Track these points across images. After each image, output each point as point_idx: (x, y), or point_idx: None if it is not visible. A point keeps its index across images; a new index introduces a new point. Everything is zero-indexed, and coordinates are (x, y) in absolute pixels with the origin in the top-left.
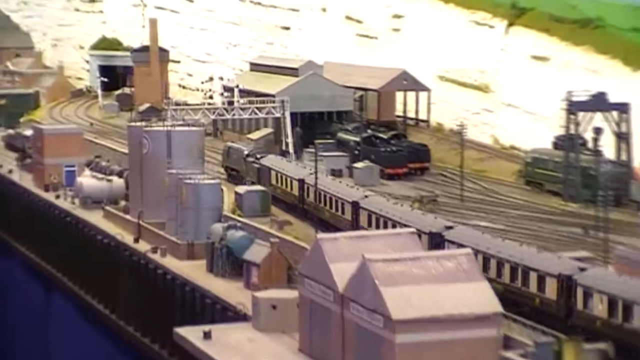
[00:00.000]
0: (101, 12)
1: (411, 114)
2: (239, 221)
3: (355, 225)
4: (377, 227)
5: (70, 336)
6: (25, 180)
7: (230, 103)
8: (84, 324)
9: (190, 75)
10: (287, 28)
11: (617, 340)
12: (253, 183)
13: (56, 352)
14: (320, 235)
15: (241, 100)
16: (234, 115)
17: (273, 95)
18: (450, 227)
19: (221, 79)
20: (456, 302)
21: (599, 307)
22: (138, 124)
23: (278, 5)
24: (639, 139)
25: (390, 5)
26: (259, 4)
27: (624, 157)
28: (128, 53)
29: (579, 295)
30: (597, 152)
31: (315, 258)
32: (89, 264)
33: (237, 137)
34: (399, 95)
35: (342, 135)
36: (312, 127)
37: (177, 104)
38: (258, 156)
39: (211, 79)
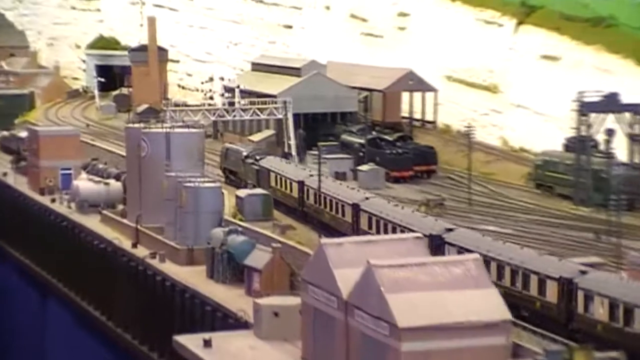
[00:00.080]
0: (98, 10)
1: (417, 115)
2: (240, 226)
3: (355, 228)
4: (378, 229)
5: (67, 344)
6: (20, 183)
7: (231, 104)
8: (81, 332)
9: (189, 75)
10: (290, 26)
11: (617, 345)
12: (254, 186)
13: None
14: (324, 240)
15: (242, 101)
16: (234, 116)
17: (275, 96)
18: (450, 230)
19: (222, 79)
20: (464, 309)
21: (599, 311)
22: (136, 125)
23: (280, 3)
24: None
25: (395, 3)
26: (261, 1)
27: (637, 159)
28: (126, 52)
29: (579, 299)
30: (609, 155)
31: (319, 264)
32: (86, 270)
33: (238, 138)
34: (405, 96)
35: (346, 137)
36: (316, 128)
37: (176, 104)
38: (257, 158)
39: (211, 79)
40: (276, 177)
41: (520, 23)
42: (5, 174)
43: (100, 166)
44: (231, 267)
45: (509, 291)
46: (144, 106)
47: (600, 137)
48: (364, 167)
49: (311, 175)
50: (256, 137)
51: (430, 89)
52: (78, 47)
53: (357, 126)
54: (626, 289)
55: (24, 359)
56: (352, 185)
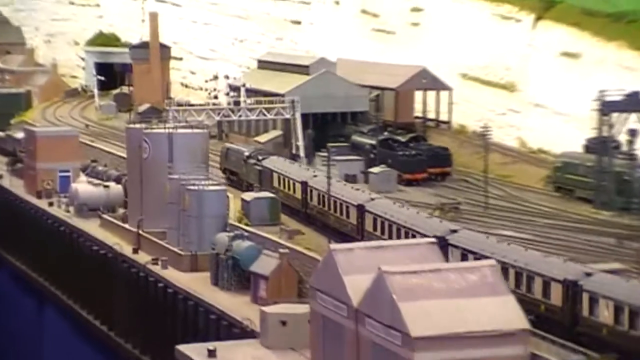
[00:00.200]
0: (97, 5)
1: (431, 114)
2: (245, 230)
3: (360, 229)
4: (382, 231)
5: (65, 353)
6: (16, 186)
7: (237, 103)
8: (79, 341)
9: (193, 73)
10: (298, 22)
11: (622, 349)
12: (262, 189)
13: None
14: (333, 245)
15: (248, 101)
16: (240, 116)
17: (282, 95)
18: (454, 231)
19: (226, 77)
20: (480, 317)
21: (604, 314)
22: (137, 125)
23: None
24: None
25: None
26: None
27: None
28: (126, 49)
29: (584, 302)
30: (631, 156)
31: (328, 270)
32: (85, 277)
33: (244, 139)
34: (418, 95)
35: (356, 138)
36: (325, 129)
37: (179, 104)
38: (260, 158)
39: (216, 77)
40: (279, 177)
41: (539, 18)
42: (0, 177)
43: (100, 168)
44: (236, 274)
45: (513, 294)
46: (146, 106)
47: (623, 138)
48: (375, 170)
49: (315, 176)
50: (263, 138)
51: (445, 87)
52: (77, 43)
53: (368, 126)
54: (632, 291)
55: None
56: (356, 186)
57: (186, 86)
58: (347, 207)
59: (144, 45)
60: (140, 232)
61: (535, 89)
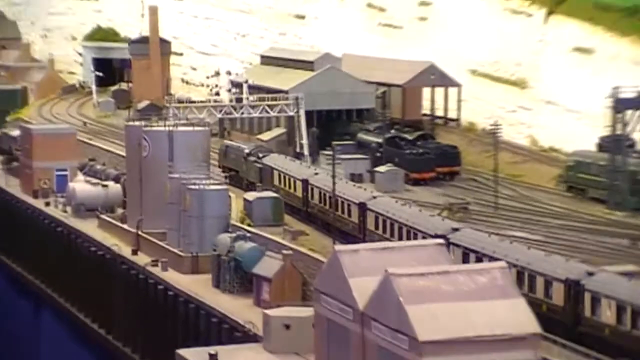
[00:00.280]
0: None
1: (439, 112)
2: (248, 231)
3: (362, 228)
4: (384, 230)
5: (62, 357)
6: (12, 185)
7: (239, 100)
8: (77, 345)
9: (194, 69)
10: (302, 17)
11: (625, 350)
12: (263, 187)
13: None
14: (338, 246)
15: (251, 97)
16: (242, 113)
17: (286, 92)
18: (456, 230)
19: (228, 73)
20: (489, 321)
21: (607, 314)
22: (136, 123)
23: None
24: None
25: None
26: None
27: None
28: (125, 45)
29: (586, 301)
30: None
31: (333, 272)
32: (82, 279)
33: (247, 137)
34: (426, 92)
35: (362, 135)
36: (330, 127)
37: (179, 101)
38: (260, 155)
39: (217, 73)
40: (279, 175)
41: (550, 13)
42: None
43: (98, 167)
44: (239, 276)
45: None
46: (145, 102)
47: (637, 136)
48: (381, 169)
49: (316, 174)
50: (266, 136)
51: (454, 84)
52: (74, 38)
53: (375, 124)
54: (634, 291)
55: None
56: (358, 184)
57: (187, 82)
58: (349, 205)
59: (143, 40)
60: (140, 232)
61: (546, 86)
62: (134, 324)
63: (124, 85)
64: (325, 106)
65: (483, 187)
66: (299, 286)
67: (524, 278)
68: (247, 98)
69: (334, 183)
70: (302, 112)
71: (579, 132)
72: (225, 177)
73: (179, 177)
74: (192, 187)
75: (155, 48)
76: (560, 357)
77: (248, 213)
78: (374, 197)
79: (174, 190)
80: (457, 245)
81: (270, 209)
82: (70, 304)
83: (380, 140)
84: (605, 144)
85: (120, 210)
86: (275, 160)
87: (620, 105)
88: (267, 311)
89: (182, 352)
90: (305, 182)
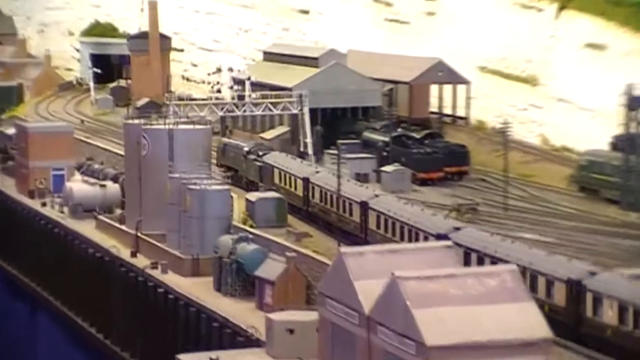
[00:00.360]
0: None
1: (448, 110)
2: (250, 232)
3: (363, 227)
4: (386, 229)
5: None
6: (7, 185)
7: (241, 98)
8: (74, 349)
9: (195, 65)
10: (306, 11)
11: (627, 351)
12: (263, 186)
13: None
14: (344, 249)
15: (253, 95)
16: (245, 111)
17: (290, 89)
18: (458, 229)
19: (230, 70)
20: (499, 325)
21: (609, 314)
22: (136, 121)
23: None
24: None
25: None
26: None
27: None
28: (124, 40)
29: (588, 302)
30: None
31: (338, 275)
32: (80, 281)
33: (249, 136)
34: (434, 89)
35: (368, 134)
36: (335, 125)
37: (180, 98)
38: (260, 153)
39: (219, 70)
40: (280, 173)
41: (562, 7)
42: None
43: (96, 166)
44: (241, 279)
45: None
46: (145, 100)
47: None
48: (388, 168)
49: (317, 172)
50: (268, 135)
51: (462, 81)
52: (71, 34)
53: (381, 122)
54: (636, 291)
55: None
56: (359, 182)
57: (187, 79)
58: (350, 204)
59: (142, 36)
60: (139, 234)
61: (558, 83)
62: (132, 328)
63: (122, 82)
64: (330, 104)
65: (492, 188)
66: (303, 289)
67: (525, 278)
68: (250, 95)
69: (339, 183)
70: (306, 110)
71: (592, 130)
72: (228, 177)
73: (180, 177)
74: (193, 187)
75: (154, 44)
76: None
77: (250, 214)
78: (376, 196)
79: (174, 191)
80: (459, 245)
81: (274, 210)
82: (68, 307)
83: (386, 139)
84: (619, 143)
85: (118, 211)
86: (276, 158)
87: (635, 102)
88: (270, 315)
89: (182, 357)
90: (306, 181)
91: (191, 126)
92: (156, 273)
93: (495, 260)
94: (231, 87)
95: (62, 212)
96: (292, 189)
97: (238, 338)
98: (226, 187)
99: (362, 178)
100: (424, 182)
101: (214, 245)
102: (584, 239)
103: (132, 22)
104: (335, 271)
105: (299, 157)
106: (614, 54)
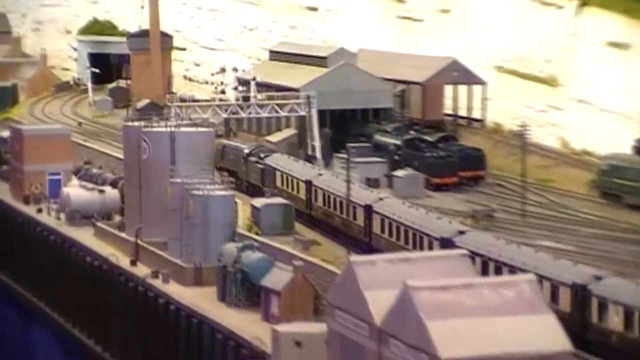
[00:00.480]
0: None
1: (463, 111)
2: (256, 240)
3: (368, 231)
4: (390, 233)
5: None
6: (1, 190)
7: (246, 99)
8: None
9: (197, 65)
10: (314, 9)
11: (633, 357)
12: (265, 189)
13: None
14: (353, 257)
15: (259, 96)
16: (250, 113)
17: (297, 90)
18: (462, 232)
19: (235, 69)
20: (516, 338)
21: (614, 320)
22: (136, 123)
23: None
24: None
25: None
26: None
27: None
28: (124, 39)
29: (593, 307)
30: None
31: (348, 285)
32: (77, 291)
33: (254, 139)
34: (448, 90)
35: (379, 137)
36: (344, 127)
37: (182, 99)
38: (261, 155)
39: (223, 70)
40: (282, 176)
41: (583, 4)
42: None
43: (94, 171)
44: (246, 289)
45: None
46: (145, 101)
47: None
48: (400, 173)
49: (320, 175)
50: (275, 138)
51: (478, 81)
52: (68, 32)
53: (393, 125)
54: None
55: None
56: (363, 185)
57: (190, 79)
58: (354, 208)
59: (143, 34)
60: (139, 242)
61: (578, 83)
62: (132, 340)
63: (122, 83)
64: (339, 105)
65: (510, 193)
66: (311, 300)
67: None
68: (255, 96)
69: (348, 188)
70: (314, 112)
71: (614, 133)
72: (232, 182)
73: (182, 182)
74: (196, 192)
75: (155, 42)
76: None
77: (256, 221)
78: (380, 199)
79: (176, 196)
80: (463, 249)
81: (280, 217)
82: (64, 318)
83: (398, 142)
84: None
85: (117, 218)
86: (278, 161)
87: None
88: (277, 327)
89: None
90: (308, 184)
91: (194, 129)
92: (157, 283)
93: (499, 265)
94: (235, 88)
95: (58, 218)
96: (295, 192)
97: (243, 351)
98: (230, 192)
99: (372, 183)
100: (437, 188)
101: (218, 254)
102: (605, 247)
103: (132, 19)
104: (344, 281)
105: (307, 161)
106: (637, 53)
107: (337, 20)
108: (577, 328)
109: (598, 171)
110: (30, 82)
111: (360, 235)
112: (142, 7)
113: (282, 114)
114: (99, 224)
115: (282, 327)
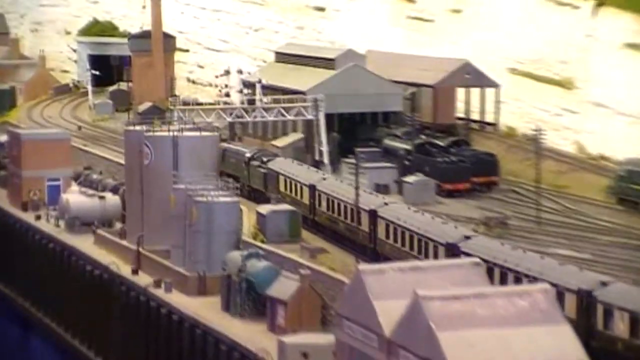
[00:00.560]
0: None
1: (475, 115)
2: (261, 248)
3: (372, 237)
4: (395, 239)
5: None
6: None
7: (251, 102)
8: None
9: (201, 67)
10: (322, 9)
11: None
12: (269, 194)
13: None
14: (362, 266)
15: (264, 99)
16: (255, 117)
17: (304, 93)
18: (468, 238)
19: (240, 72)
20: (530, 350)
21: (620, 326)
22: (137, 127)
23: None
24: None
25: None
26: None
27: None
28: (125, 40)
29: (599, 314)
30: None
31: (356, 294)
32: (77, 301)
33: (260, 143)
34: (460, 93)
35: (389, 142)
36: (353, 131)
37: (185, 103)
38: (264, 159)
39: (227, 72)
40: (285, 180)
41: (600, 5)
42: None
43: (95, 176)
44: (251, 298)
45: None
46: (147, 104)
47: None
48: (410, 179)
49: (324, 179)
50: (281, 142)
51: (491, 84)
52: (68, 33)
53: (403, 129)
54: None
55: None
56: (368, 190)
57: (193, 82)
58: (359, 213)
59: (144, 35)
60: (141, 250)
61: (595, 86)
62: (133, 351)
63: (123, 85)
64: (347, 109)
65: (524, 200)
66: (318, 310)
67: None
68: (261, 100)
69: (357, 194)
70: (321, 116)
71: (632, 138)
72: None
73: (185, 188)
74: (200, 199)
75: (158, 44)
76: None
77: (261, 228)
78: (385, 204)
79: (179, 203)
80: (468, 255)
81: (286, 224)
82: (63, 328)
83: (408, 146)
84: None
85: (119, 225)
86: (281, 165)
87: None
88: (283, 338)
89: None
90: (312, 188)
91: (197, 133)
92: (159, 292)
93: (505, 271)
94: (240, 91)
95: (57, 225)
96: (298, 197)
97: None
98: (235, 198)
99: (382, 189)
100: (449, 194)
101: (222, 262)
102: (622, 256)
103: (134, 20)
104: (353, 290)
105: (315, 167)
106: None
107: (345, 20)
108: (582, 335)
109: (615, 177)
110: (28, 85)
111: (365, 240)
112: (144, 7)
113: (289, 117)
114: (100, 231)
115: (289, 338)
